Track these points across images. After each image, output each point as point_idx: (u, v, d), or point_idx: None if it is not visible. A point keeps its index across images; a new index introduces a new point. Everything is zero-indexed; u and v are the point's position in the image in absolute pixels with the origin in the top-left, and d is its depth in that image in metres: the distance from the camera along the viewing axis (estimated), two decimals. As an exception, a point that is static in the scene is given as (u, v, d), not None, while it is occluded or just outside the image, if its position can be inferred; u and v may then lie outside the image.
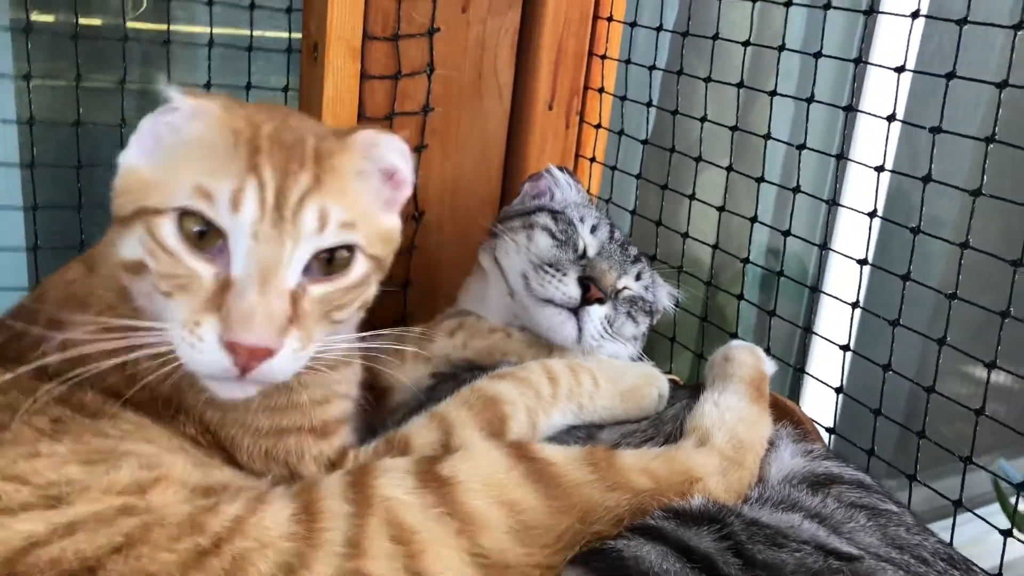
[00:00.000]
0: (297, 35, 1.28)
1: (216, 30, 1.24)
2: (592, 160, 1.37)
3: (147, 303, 0.74)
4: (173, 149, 0.73)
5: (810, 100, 1.14)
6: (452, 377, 1.03)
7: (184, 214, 0.69)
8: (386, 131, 0.80)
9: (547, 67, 1.31)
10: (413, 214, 1.28)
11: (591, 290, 0.97)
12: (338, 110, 1.16)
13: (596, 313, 0.98)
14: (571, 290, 0.97)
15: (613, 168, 1.35)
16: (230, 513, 0.63)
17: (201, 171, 0.70)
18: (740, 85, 1.21)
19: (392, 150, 0.80)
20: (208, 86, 1.25)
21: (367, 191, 0.79)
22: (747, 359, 0.97)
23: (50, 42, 1.22)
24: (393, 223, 0.83)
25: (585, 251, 1.04)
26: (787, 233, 1.17)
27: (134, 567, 0.57)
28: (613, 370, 0.96)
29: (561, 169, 1.17)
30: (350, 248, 0.74)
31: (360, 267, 0.76)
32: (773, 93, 1.17)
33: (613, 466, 0.76)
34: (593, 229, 1.05)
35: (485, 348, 1.04)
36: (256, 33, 1.26)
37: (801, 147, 1.16)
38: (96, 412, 0.73)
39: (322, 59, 1.14)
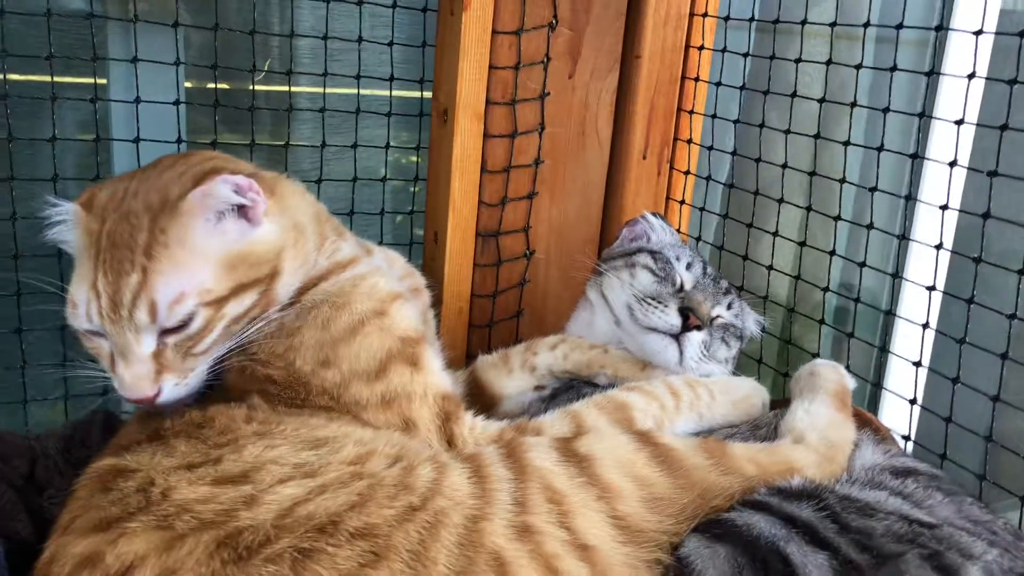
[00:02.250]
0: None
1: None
2: (682, 203, 1.54)
3: None
4: (74, 252, 0.94)
5: (880, 149, 1.29)
6: (560, 393, 1.20)
7: None
8: (212, 175, 0.91)
9: (641, 122, 1.48)
10: (525, 252, 1.47)
11: (690, 319, 1.13)
12: (465, 165, 1.36)
13: (695, 339, 1.14)
14: (673, 319, 1.14)
15: (701, 209, 1.51)
16: (427, 476, 0.81)
17: (74, 282, 0.91)
18: (817, 136, 1.37)
19: (223, 191, 0.90)
20: (355, 146, 1.45)
21: (220, 232, 0.91)
22: (831, 374, 1.12)
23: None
24: (260, 235, 0.94)
25: (682, 285, 1.21)
26: (863, 264, 1.32)
27: (364, 520, 0.74)
28: (725, 384, 1.12)
29: (655, 215, 1.34)
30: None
31: (200, 319, 0.89)
32: (847, 143, 1.33)
33: (726, 454, 0.92)
34: (688, 266, 1.22)
35: (584, 361, 1.20)
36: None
37: (873, 189, 1.31)
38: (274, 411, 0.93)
39: (452, 123, 1.34)
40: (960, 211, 1.24)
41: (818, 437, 0.99)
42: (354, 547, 0.72)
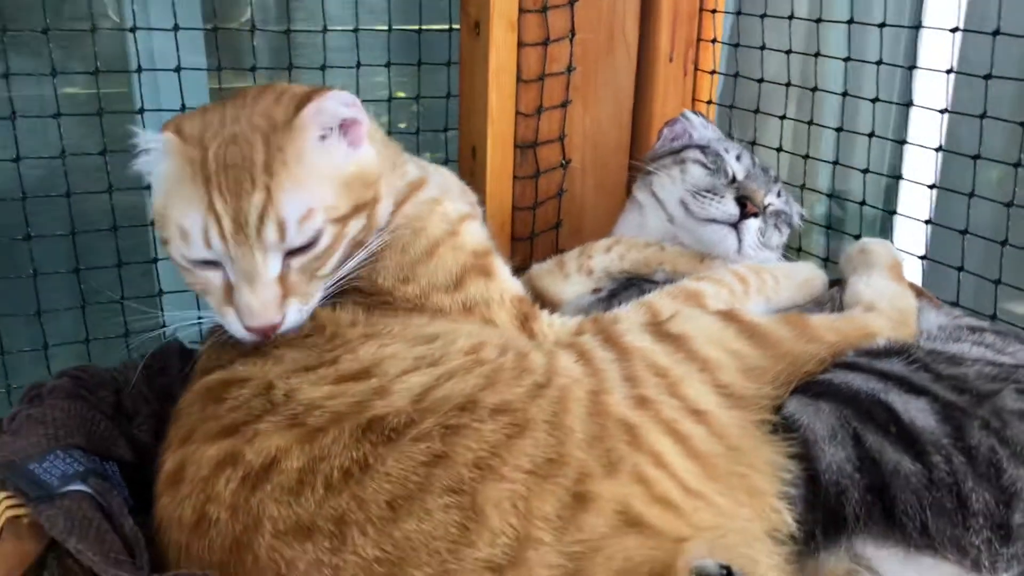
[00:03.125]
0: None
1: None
2: (709, 103, 1.56)
3: None
4: (162, 186, 0.91)
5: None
6: (620, 291, 1.23)
7: None
8: (321, 92, 0.90)
9: (667, 24, 1.49)
10: (561, 162, 1.48)
11: (747, 206, 1.17)
12: (501, 76, 1.36)
13: (753, 226, 1.18)
14: (731, 208, 1.17)
15: (731, 107, 1.53)
16: (540, 361, 0.85)
17: (177, 210, 0.88)
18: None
19: (335, 107, 0.90)
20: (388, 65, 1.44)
21: (328, 152, 0.91)
22: (882, 249, 1.16)
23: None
24: (363, 157, 0.94)
25: (735, 176, 1.24)
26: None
27: (500, 397, 0.77)
28: (786, 268, 1.16)
29: (695, 113, 1.36)
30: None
31: (327, 236, 0.89)
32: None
33: (807, 325, 0.97)
34: (738, 157, 1.25)
35: (642, 259, 1.23)
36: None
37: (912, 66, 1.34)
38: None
39: (485, 34, 1.34)
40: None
41: (887, 304, 1.04)
42: (497, 421, 0.75)
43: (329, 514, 0.71)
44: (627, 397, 0.82)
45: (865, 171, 1.41)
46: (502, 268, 1.05)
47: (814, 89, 1.44)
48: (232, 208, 0.86)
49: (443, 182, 1.15)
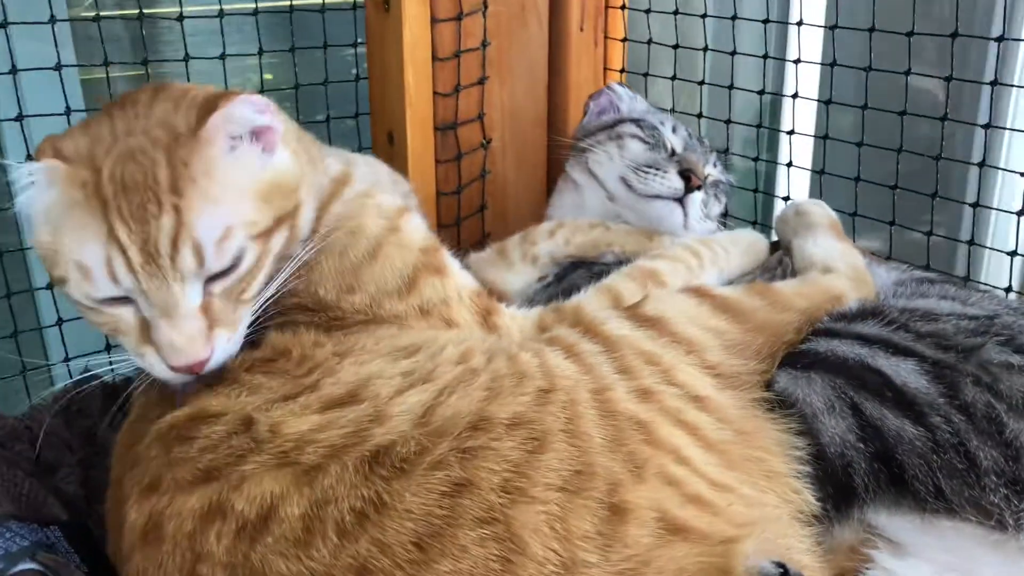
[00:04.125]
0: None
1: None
2: (622, 71, 1.53)
3: None
4: (50, 219, 0.78)
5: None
6: (568, 273, 1.20)
7: None
8: (228, 97, 0.79)
9: (576, -8, 1.45)
10: (481, 142, 1.42)
11: (692, 180, 1.15)
12: (416, 54, 1.28)
13: (697, 199, 1.16)
14: (675, 182, 1.15)
15: (645, 75, 1.51)
16: (533, 362, 0.79)
17: (72, 245, 0.76)
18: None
19: (246, 113, 0.80)
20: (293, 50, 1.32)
21: (241, 163, 0.80)
22: (819, 210, 1.17)
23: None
24: (279, 163, 0.84)
25: (673, 149, 1.22)
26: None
27: (511, 410, 0.71)
28: (730, 236, 1.15)
29: (620, 85, 1.33)
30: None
31: (250, 255, 0.79)
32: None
33: (776, 293, 0.96)
34: (674, 129, 1.23)
35: (589, 242, 1.20)
36: None
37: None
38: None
39: (397, 10, 1.25)
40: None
41: (843, 264, 1.05)
42: (514, 437, 0.70)
43: (348, 564, 0.64)
44: (629, 391, 0.79)
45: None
46: (452, 262, 0.98)
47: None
48: (138, 236, 0.75)
49: (370, 173, 1.06)
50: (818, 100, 1.39)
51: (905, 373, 0.83)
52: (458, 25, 1.33)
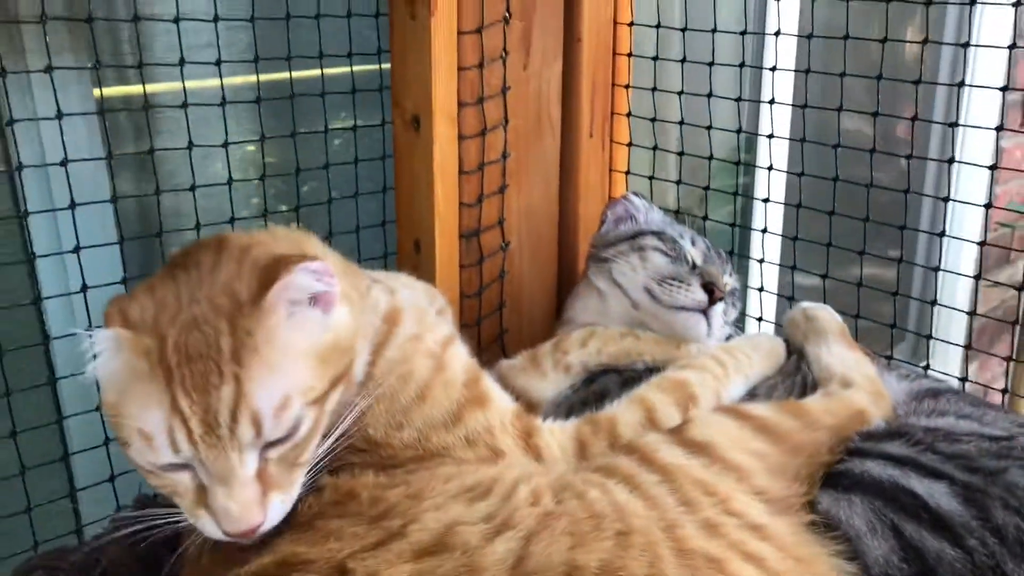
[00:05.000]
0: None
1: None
2: (627, 173, 1.62)
3: None
4: (117, 384, 0.81)
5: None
6: (598, 376, 1.26)
7: None
8: (288, 265, 0.81)
9: (587, 102, 1.53)
10: (501, 246, 1.49)
11: (715, 293, 1.23)
12: (445, 169, 1.34)
13: (719, 310, 1.24)
14: (699, 295, 1.23)
15: (651, 178, 1.60)
16: (602, 500, 0.84)
17: (136, 412, 0.79)
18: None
19: (305, 280, 0.83)
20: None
21: (301, 328, 0.83)
22: (827, 315, 1.26)
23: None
24: (336, 322, 0.87)
25: (694, 262, 1.30)
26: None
27: (597, 559, 0.76)
28: (750, 342, 1.23)
29: (636, 194, 1.42)
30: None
31: (307, 422, 0.82)
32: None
33: (806, 412, 1.03)
34: (693, 242, 1.32)
35: (620, 352, 1.27)
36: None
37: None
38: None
39: (428, 129, 1.32)
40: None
41: (860, 376, 1.13)
42: None
43: None
44: (696, 526, 0.84)
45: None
46: (493, 388, 1.03)
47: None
48: (200, 407, 0.78)
49: (411, 296, 1.11)
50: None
51: (938, 495, 0.91)
52: (483, 140, 1.39)
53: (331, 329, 0.86)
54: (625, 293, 1.30)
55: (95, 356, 0.80)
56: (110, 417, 0.82)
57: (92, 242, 1.18)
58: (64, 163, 1.14)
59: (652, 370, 1.20)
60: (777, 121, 1.55)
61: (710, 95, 1.52)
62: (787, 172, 1.63)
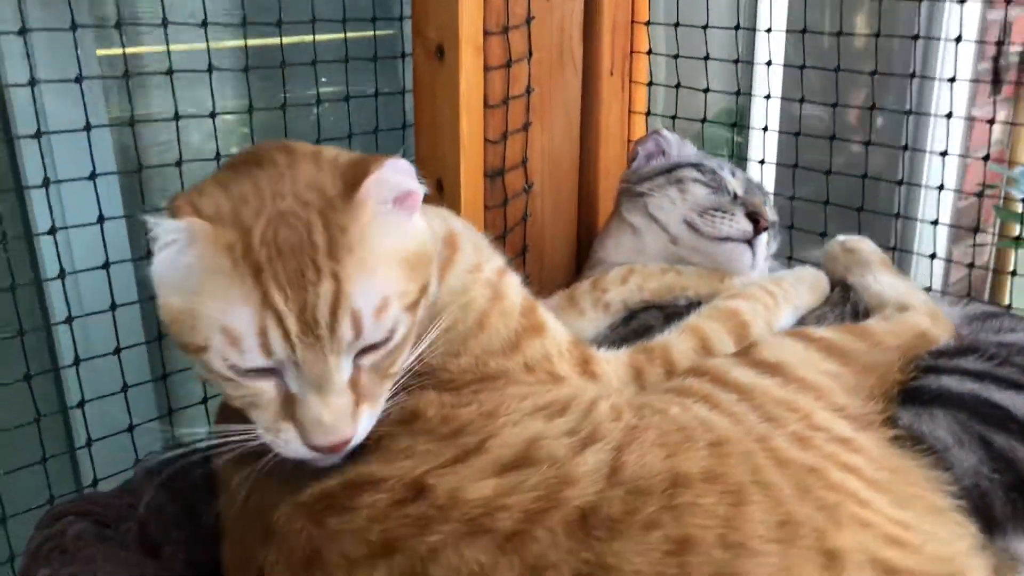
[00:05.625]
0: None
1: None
2: (648, 114, 1.57)
3: None
4: (187, 282, 0.73)
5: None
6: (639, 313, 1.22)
7: None
8: (378, 161, 0.76)
9: (608, 38, 1.48)
10: (524, 187, 1.43)
11: (760, 222, 1.19)
12: (470, 102, 1.28)
13: (764, 240, 1.21)
14: (745, 225, 1.19)
15: (674, 118, 1.56)
16: (686, 415, 0.81)
17: (219, 310, 0.71)
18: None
19: (394, 177, 0.77)
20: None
21: (390, 230, 0.77)
22: (868, 247, 1.23)
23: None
24: (419, 229, 0.81)
25: (735, 193, 1.26)
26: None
27: (697, 466, 0.72)
28: (796, 274, 1.19)
29: (668, 130, 1.37)
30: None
31: (403, 327, 0.76)
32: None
33: (871, 334, 1.00)
34: (733, 173, 1.27)
35: (663, 287, 1.23)
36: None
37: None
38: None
39: (453, 59, 1.25)
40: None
41: (916, 300, 1.10)
42: (711, 494, 0.70)
43: None
44: (787, 440, 0.81)
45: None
46: (548, 316, 0.98)
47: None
48: (296, 304, 0.70)
49: (464, 225, 1.05)
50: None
51: (1021, 404, 0.88)
52: (507, 72, 1.33)
53: (416, 235, 0.80)
54: (663, 228, 1.25)
55: (160, 248, 0.72)
56: (174, 319, 0.74)
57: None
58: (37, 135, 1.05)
59: (694, 306, 1.15)
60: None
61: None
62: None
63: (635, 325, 1.19)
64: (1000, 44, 2.55)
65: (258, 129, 1.28)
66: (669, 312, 1.17)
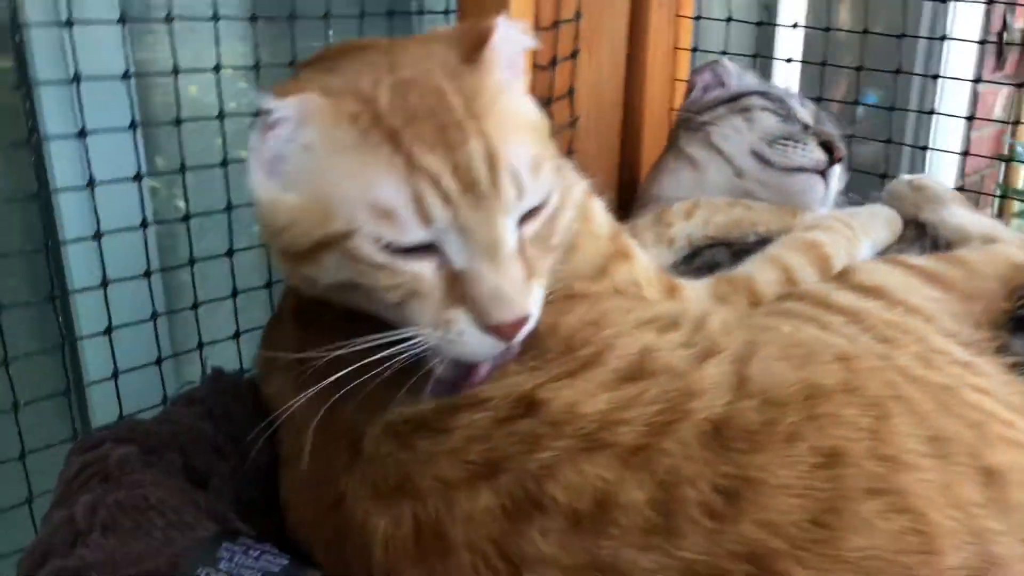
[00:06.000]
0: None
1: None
2: (695, 50, 1.49)
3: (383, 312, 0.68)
4: (308, 166, 0.65)
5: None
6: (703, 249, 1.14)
7: None
8: (491, 24, 0.69)
9: (657, -35, 1.40)
10: (570, 121, 1.35)
11: (835, 152, 1.12)
12: (521, 16, 1.19)
13: (837, 171, 1.14)
14: (819, 155, 1.12)
15: (723, 53, 1.47)
16: (797, 334, 0.75)
17: (358, 187, 0.63)
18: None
19: (513, 34, 0.70)
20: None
21: (514, 93, 0.71)
22: (936, 184, 1.17)
23: None
24: (529, 101, 0.74)
25: (805, 122, 1.18)
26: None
27: (833, 379, 0.65)
28: (869, 209, 1.12)
29: (728, 60, 1.29)
30: None
31: (556, 194, 0.69)
32: None
33: (966, 262, 0.94)
34: (802, 103, 1.20)
35: (731, 221, 1.15)
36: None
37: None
38: None
39: (504, -27, 1.17)
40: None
41: (1001, 232, 1.05)
42: (852, 406, 0.63)
43: (732, 550, 0.56)
44: (910, 359, 0.74)
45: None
46: (633, 242, 0.92)
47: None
48: (449, 162, 0.62)
49: None
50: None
51: None
52: (558, -6, 1.25)
53: (532, 103, 0.73)
54: (727, 159, 1.18)
55: (266, 138, 0.64)
56: (296, 221, 0.65)
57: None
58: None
59: (764, 243, 1.08)
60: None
61: None
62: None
63: (699, 263, 1.12)
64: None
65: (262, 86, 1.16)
66: (737, 249, 1.09)
